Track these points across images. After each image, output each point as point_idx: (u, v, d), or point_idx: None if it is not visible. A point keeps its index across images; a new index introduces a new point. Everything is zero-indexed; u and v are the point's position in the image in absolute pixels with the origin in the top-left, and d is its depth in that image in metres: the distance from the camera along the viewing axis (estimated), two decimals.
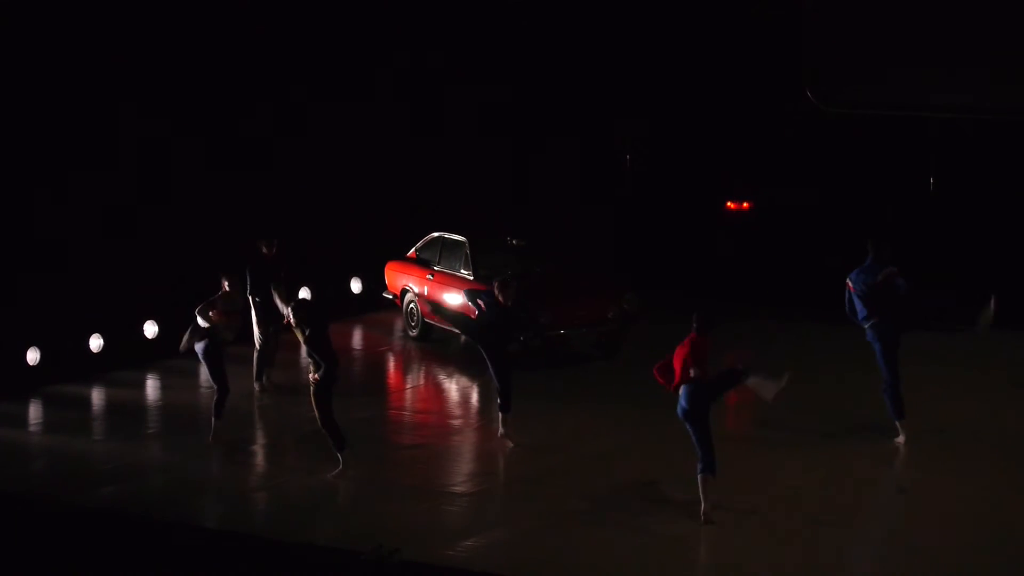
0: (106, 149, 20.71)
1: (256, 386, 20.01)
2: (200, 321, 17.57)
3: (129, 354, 20.94)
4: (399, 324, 23.26)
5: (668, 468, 16.78)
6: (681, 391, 15.19)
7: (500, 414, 17.73)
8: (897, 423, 17.56)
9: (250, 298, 19.69)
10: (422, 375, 21.56)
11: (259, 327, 19.98)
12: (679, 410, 15.25)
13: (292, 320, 16.67)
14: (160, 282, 20.98)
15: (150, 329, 21.25)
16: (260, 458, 17.62)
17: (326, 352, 16.52)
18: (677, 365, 15.20)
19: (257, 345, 20.08)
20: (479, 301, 17.83)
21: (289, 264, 20.12)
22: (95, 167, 20.54)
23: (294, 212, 22.69)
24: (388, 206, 24.22)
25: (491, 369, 17.64)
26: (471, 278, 21.66)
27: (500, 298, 17.42)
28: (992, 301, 17.02)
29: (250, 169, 22.45)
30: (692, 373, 15.07)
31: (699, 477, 15.20)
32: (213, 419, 17.91)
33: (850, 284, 17.46)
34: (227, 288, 18.01)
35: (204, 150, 21.87)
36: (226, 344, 17.91)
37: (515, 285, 17.67)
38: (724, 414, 19.66)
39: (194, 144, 21.72)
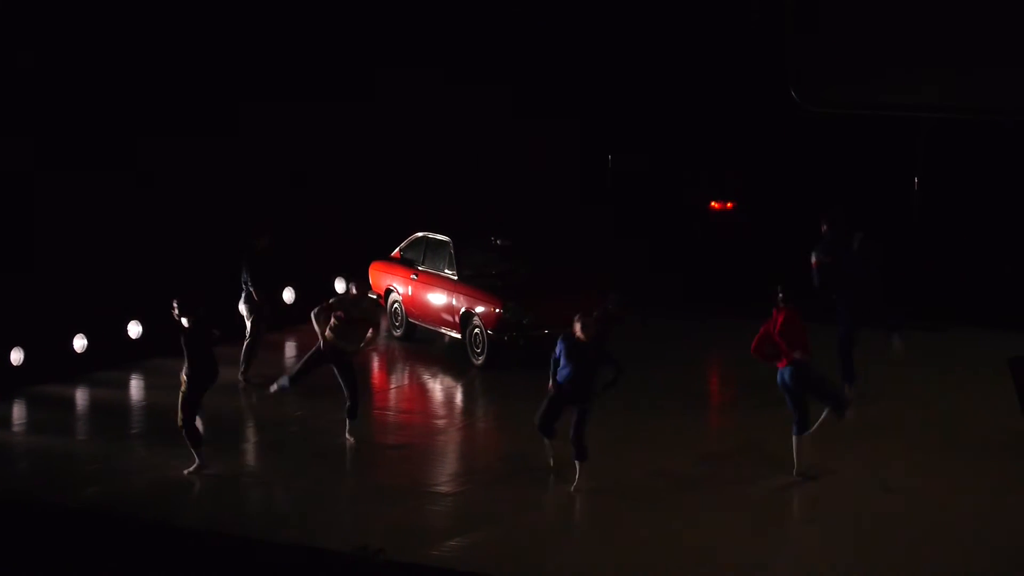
0: (93, 148, 20.74)
1: (241, 379, 20.18)
2: (315, 325, 17.36)
3: (113, 354, 20.92)
4: (383, 324, 23.25)
5: (653, 467, 16.83)
6: (787, 371, 16.22)
7: (577, 464, 16.19)
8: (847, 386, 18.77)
9: (245, 289, 20.08)
10: (406, 375, 21.57)
11: (250, 319, 20.29)
12: (781, 384, 16.36)
13: (176, 309, 16.59)
14: (144, 281, 20.98)
15: (134, 329, 21.24)
16: (244, 458, 17.60)
17: (197, 352, 16.49)
18: (782, 342, 16.15)
19: (248, 338, 20.34)
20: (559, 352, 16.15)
21: (283, 258, 20.46)
22: (80, 166, 20.56)
23: (278, 211, 22.72)
24: (373, 205, 24.23)
25: (576, 419, 16.16)
26: (455, 278, 21.68)
27: (581, 335, 15.98)
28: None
29: (234, 168, 22.47)
30: (799, 356, 16.11)
31: (794, 439, 16.43)
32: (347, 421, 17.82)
33: (817, 258, 18.75)
34: (354, 292, 17.67)
35: (185, 149, 21.90)
36: (349, 355, 17.55)
37: (594, 319, 16.20)
38: (703, 409, 19.76)
39: (182, 143, 21.78)
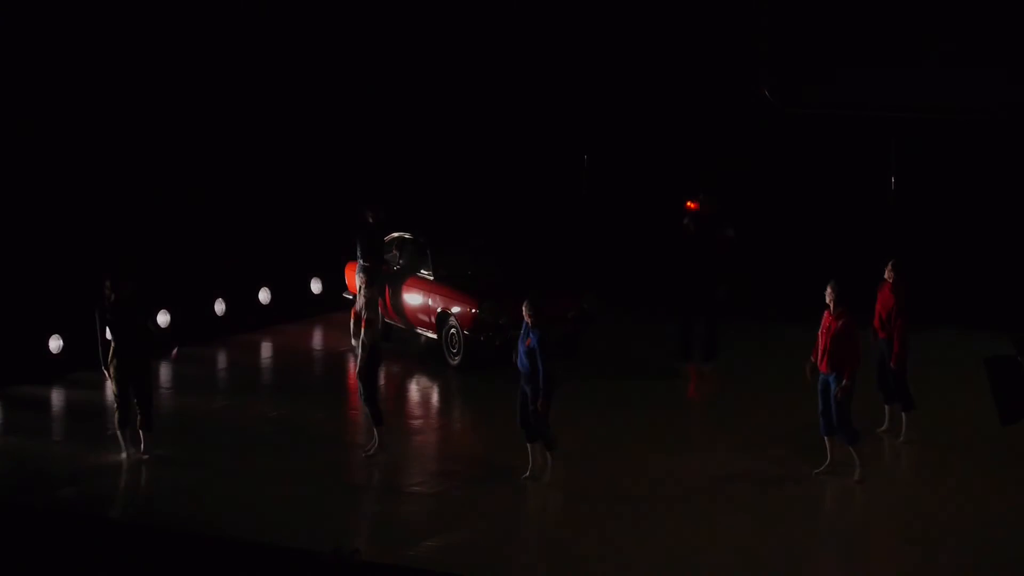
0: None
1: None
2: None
3: (89, 355, 20.83)
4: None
5: (627, 467, 16.84)
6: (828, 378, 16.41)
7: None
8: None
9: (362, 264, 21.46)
10: (382, 375, 21.47)
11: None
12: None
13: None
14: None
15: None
16: (220, 458, 17.56)
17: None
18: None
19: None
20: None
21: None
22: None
23: (255, 212, 22.80)
24: (352, 205, 24.27)
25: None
26: (431, 278, 21.68)
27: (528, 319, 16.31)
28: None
29: (211, 168, 22.60)
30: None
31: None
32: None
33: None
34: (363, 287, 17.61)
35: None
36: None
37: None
38: (679, 410, 19.79)
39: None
